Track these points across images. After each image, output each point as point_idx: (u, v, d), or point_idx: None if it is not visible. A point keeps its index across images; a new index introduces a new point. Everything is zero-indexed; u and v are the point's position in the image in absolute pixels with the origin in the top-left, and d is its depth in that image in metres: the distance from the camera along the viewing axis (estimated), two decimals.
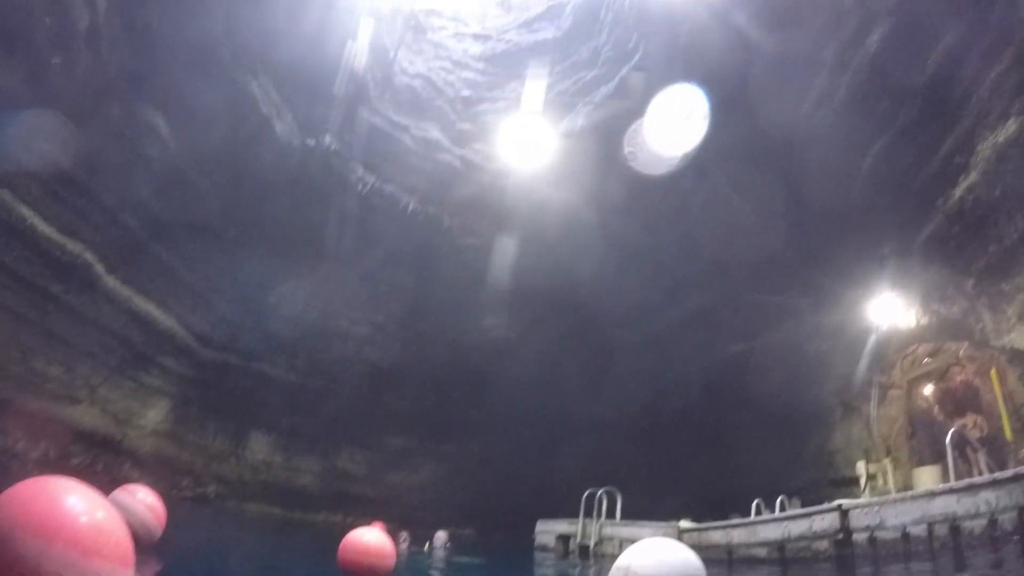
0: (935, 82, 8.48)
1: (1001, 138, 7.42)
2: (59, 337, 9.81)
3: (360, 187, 14.50)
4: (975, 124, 7.88)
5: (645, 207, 14.38)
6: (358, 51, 13.99)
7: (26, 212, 8.48)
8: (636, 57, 14.20)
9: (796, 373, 13.41)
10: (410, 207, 15.16)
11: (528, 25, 15.75)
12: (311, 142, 13.55)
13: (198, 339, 12.53)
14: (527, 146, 15.22)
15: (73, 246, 9.33)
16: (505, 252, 15.78)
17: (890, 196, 9.64)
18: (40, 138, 8.13)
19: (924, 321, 10.25)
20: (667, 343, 15.66)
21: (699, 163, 12.91)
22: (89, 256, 9.59)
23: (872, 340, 11.49)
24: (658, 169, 13.47)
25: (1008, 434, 9.46)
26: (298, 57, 12.83)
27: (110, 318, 10.40)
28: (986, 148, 7.70)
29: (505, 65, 15.52)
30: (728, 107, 12.15)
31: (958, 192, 8.26)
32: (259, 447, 14.53)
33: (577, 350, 16.33)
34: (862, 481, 11.54)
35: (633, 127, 13.69)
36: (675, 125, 12.87)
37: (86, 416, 10.72)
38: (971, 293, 8.73)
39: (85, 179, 9.22)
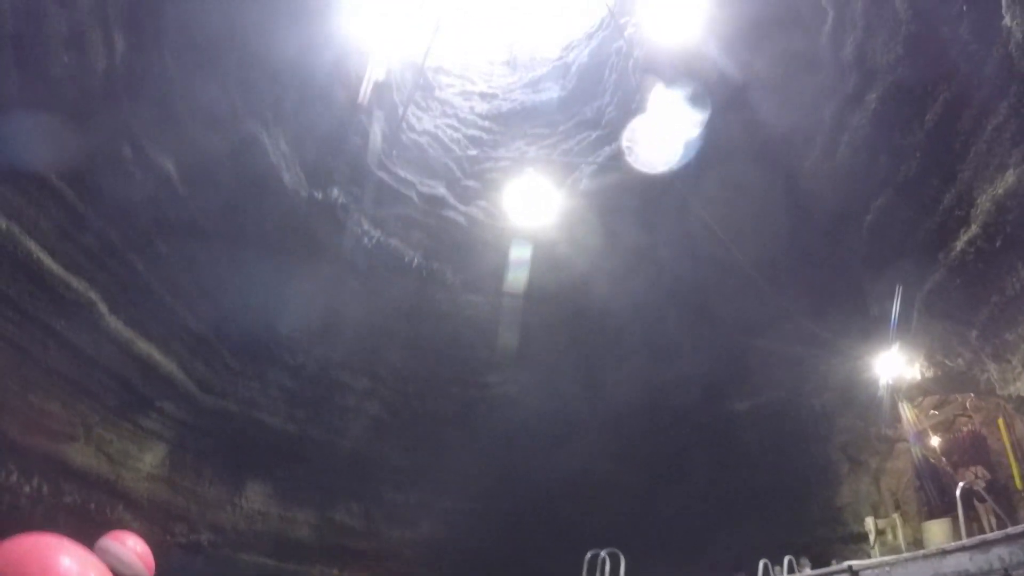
0: (933, 137, 8.65)
1: (1000, 190, 7.52)
2: (59, 373, 9.78)
3: (366, 240, 14.61)
4: (974, 177, 8.00)
5: (650, 276, 14.46)
6: (369, 106, 14.30)
7: (33, 246, 8.55)
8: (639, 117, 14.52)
9: (802, 429, 13.31)
10: (415, 262, 15.25)
11: (533, 85, 16.16)
12: (318, 194, 13.70)
13: (198, 385, 12.46)
14: (531, 205, 15.37)
15: (78, 284, 9.38)
16: (509, 309, 15.82)
17: (892, 251, 9.72)
18: (52, 174, 8.31)
19: (929, 374, 10.23)
20: (669, 402, 15.54)
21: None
22: (93, 295, 9.63)
23: (880, 394, 11.45)
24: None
25: (1018, 483, 9.35)
26: (308, 109, 13.10)
27: (111, 358, 10.38)
28: (986, 200, 7.80)
29: (510, 124, 15.86)
30: (726, 160, 12.38)
31: (959, 245, 8.33)
32: (255, 496, 14.31)
33: (584, 407, 16.20)
34: (871, 537, 11.33)
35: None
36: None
37: (81, 455, 10.60)
38: (975, 344, 8.73)
39: (93, 218, 9.32)
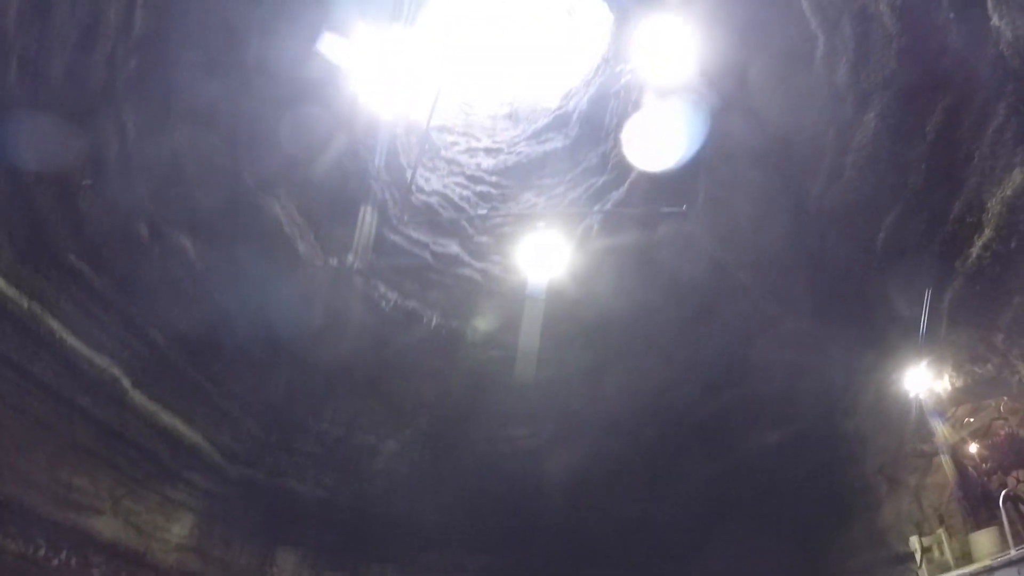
0: (936, 147, 8.63)
1: (1008, 191, 7.47)
2: (84, 448, 9.84)
3: (383, 304, 14.70)
4: (981, 181, 7.95)
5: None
6: (379, 173, 14.57)
7: (55, 325, 8.72)
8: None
9: (835, 453, 13.00)
10: (433, 322, 15.29)
11: (537, 136, 16.41)
12: (333, 261, 13.87)
13: (224, 455, 12.46)
14: (545, 256, 15.38)
15: (100, 360, 9.51)
16: (531, 362, 15.74)
17: (909, 265, 9.63)
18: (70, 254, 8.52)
19: (959, 383, 10.00)
20: (710, 437, 15.27)
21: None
22: (116, 371, 9.76)
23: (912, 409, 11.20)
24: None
25: None
26: (320, 179, 13.36)
27: (136, 431, 10.44)
28: (996, 204, 7.74)
29: (518, 177, 16.06)
30: (736, 188, 12.42)
31: (975, 251, 8.24)
32: (286, 564, 14.13)
33: (610, 454, 15.95)
34: (917, 556, 10.90)
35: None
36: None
37: (109, 527, 10.55)
38: (1003, 348, 8.55)
39: (113, 296, 9.51)
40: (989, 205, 7.86)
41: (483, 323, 15.43)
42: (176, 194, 10.53)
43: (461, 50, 16.61)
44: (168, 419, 10.91)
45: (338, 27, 12.14)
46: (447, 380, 15.31)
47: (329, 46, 12.02)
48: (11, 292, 8.30)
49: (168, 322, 10.58)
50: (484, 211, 16.03)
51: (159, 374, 10.64)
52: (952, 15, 7.72)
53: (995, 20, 7.02)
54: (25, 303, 8.42)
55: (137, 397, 10.26)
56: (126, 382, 10.03)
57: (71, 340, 8.98)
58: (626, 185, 15.05)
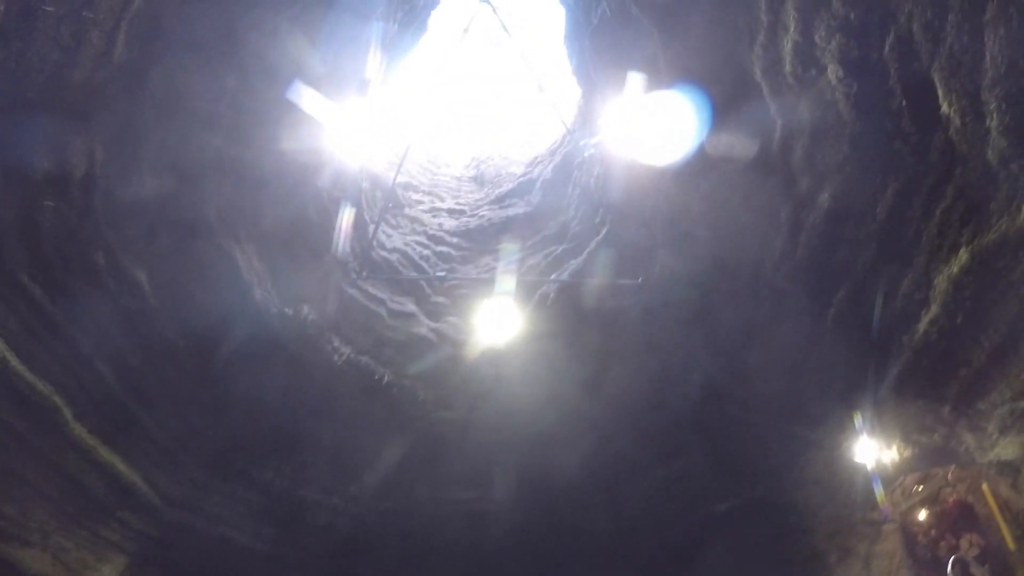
0: (886, 227, 9.07)
1: (955, 268, 7.85)
2: (18, 475, 9.31)
3: (336, 357, 14.49)
4: (929, 260, 8.35)
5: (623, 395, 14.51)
6: (341, 226, 14.57)
7: (0, 345, 8.36)
8: (603, 231, 15.00)
9: (785, 523, 13.03)
10: (385, 379, 15.10)
11: (500, 201, 16.71)
12: (288, 311, 13.69)
13: (162, 497, 11.88)
14: (500, 320, 15.42)
15: (43, 387, 9.11)
16: (482, 426, 15.60)
17: (857, 340, 9.93)
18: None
19: (907, 453, 10.22)
20: (661, 506, 15.16)
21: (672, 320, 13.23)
22: (58, 400, 9.34)
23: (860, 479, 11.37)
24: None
25: (1010, 543, 9.23)
26: (282, 227, 13.31)
27: (73, 465, 9.93)
28: (943, 281, 8.11)
29: (478, 240, 16.25)
30: (694, 262, 12.75)
31: (922, 327, 8.57)
32: None
33: (561, 523, 15.72)
34: None
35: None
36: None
37: (37, 561, 9.91)
38: (949, 418, 8.81)
39: (64, 322, 9.19)
40: (936, 282, 8.23)
41: (435, 383, 15.28)
42: (135, 228, 10.37)
43: (432, 111, 16.96)
44: (107, 455, 10.43)
45: (312, 81, 12.37)
46: (395, 438, 15.02)
47: (299, 95, 12.19)
48: None
49: (117, 356, 10.24)
50: (443, 272, 16.10)
51: (102, 408, 10.22)
52: (904, 103, 8.23)
53: (944, 108, 7.52)
54: None
55: (77, 429, 9.82)
56: (68, 412, 9.60)
57: (14, 362, 8.62)
58: (584, 255, 15.35)
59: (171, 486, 12.09)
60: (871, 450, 10.96)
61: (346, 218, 14.68)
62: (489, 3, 14.07)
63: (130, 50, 9.16)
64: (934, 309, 8.35)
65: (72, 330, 9.38)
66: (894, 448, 10.54)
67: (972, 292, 7.73)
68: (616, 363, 14.43)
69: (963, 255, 7.77)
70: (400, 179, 16.15)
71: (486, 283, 15.82)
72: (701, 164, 12.62)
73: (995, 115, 6.71)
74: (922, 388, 9.06)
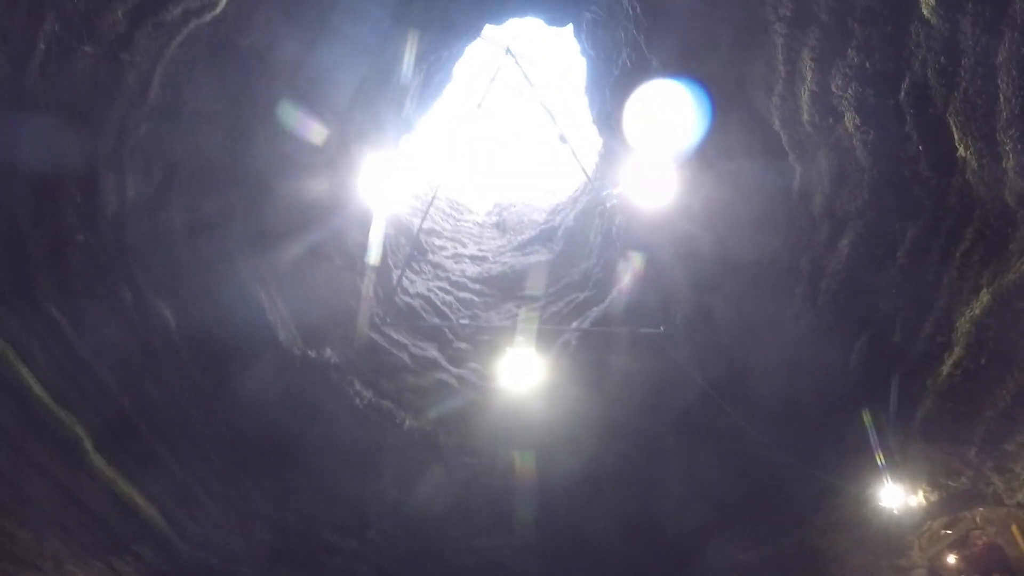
0: (907, 272, 9.08)
1: (977, 310, 7.83)
2: (35, 503, 9.39)
3: (357, 401, 14.55)
4: (950, 302, 8.33)
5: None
6: (366, 271, 14.81)
7: (24, 372, 8.54)
8: (626, 278, 15.06)
9: (811, 572, 12.70)
10: (406, 424, 15.10)
11: (522, 248, 16.88)
12: (312, 353, 13.83)
13: (179, 534, 11.88)
14: (522, 367, 15.43)
15: (65, 417, 9.25)
16: (503, 472, 15.49)
17: (880, 385, 9.85)
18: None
19: (934, 497, 10.02)
20: (681, 554, 14.85)
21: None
22: (79, 430, 9.45)
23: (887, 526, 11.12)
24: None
25: None
26: (307, 270, 13.53)
27: (90, 496, 9.99)
28: (965, 323, 8.08)
29: (501, 287, 16.38)
30: (713, 312, 12.74)
31: (946, 369, 8.51)
32: None
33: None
34: None
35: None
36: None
37: None
38: (976, 461, 8.67)
39: (88, 354, 9.37)
40: (959, 324, 8.20)
41: (456, 429, 15.25)
42: (163, 266, 10.64)
43: (456, 157, 17.33)
44: (125, 488, 10.47)
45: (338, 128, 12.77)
46: (415, 483, 14.95)
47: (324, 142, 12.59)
48: None
49: (140, 391, 10.40)
50: (465, 319, 16.21)
51: (124, 441, 10.33)
52: (921, 148, 8.32)
53: (961, 151, 7.59)
54: None
55: (97, 460, 9.90)
56: (88, 443, 9.71)
57: (37, 390, 8.79)
58: (606, 302, 15.39)
59: (188, 522, 12.11)
60: (897, 495, 10.75)
61: (371, 263, 14.96)
62: (511, 55, 14.49)
63: (164, 93, 9.58)
64: (957, 351, 8.30)
65: (97, 365, 9.57)
66: (920, 493, 10.34)
67: (995, 333, 7.69)
68: (635, 408, 14.32)
69: (984, 296, 7.75)
70: (425, 224, 16.40)
71: (508, 330, 15.89)
72: (716, 210, 12.74)
73: (1011, 155, 6.76)
74: (948, 431, 8.96)
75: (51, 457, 9.32)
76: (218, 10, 9.52)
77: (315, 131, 12.09)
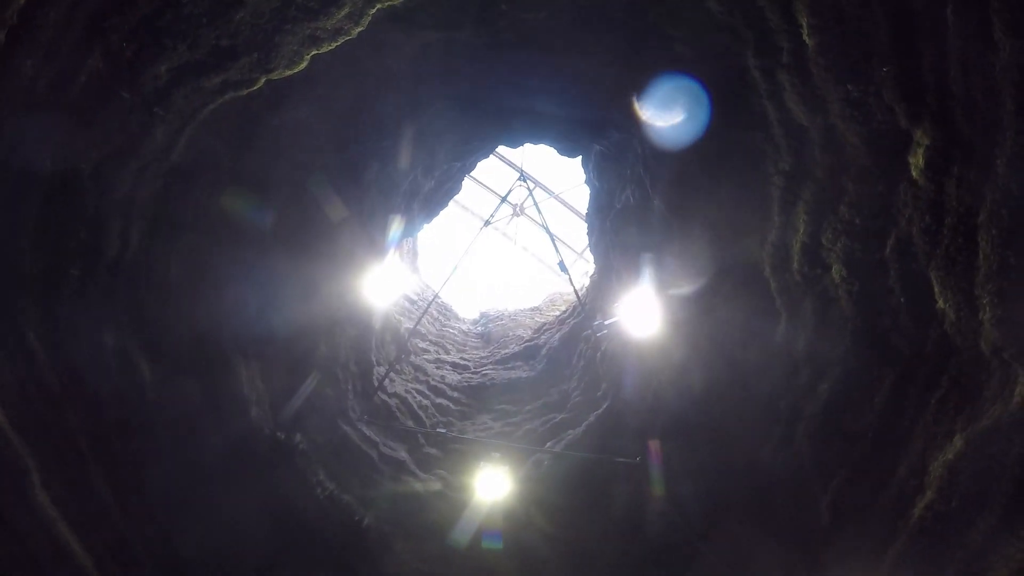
0: (883, 417, 9.40)
1: (950, 455, 8.07)
2: None
3: (319, 491, 14.21)
4: (925, 447, 8.59)
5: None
6: (348, 363, 14.88)
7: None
8: (604, 405, 15.18)
9: None
10: (364, 522, 14.68)
11: (504, 362, 17.03)
12: (281, 435, 13.66)
13: None
14: (491, 481, 15.26)
15: (20, 447, 8.85)
16: None
17: (852, 527, 9.90)
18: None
19: None
20: None
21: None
22: (30, 462, 9.00)
23: None
24: None
25: None
26: (289, 355, 13.63)
27: (26, 532, 9.35)
28: (938, 467, 8.30)
29: (479, 398, 16.40)
30: (689, 450, 12.84)
31: (917, 511, 8.62)
32: None
33: None
34: None
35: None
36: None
37: None
38: None
39: (58, 393, 9.20)
40: (932, 468, 8.41)
41: (414, 534, 14.81)
42: (152, 322, 10.70)
43: (449, 263, 17.80)
44: (64, 530, 9.78)
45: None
46: None
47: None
48: None
49: (102, 437, 10.14)
50: (441, 425, 16.13)
51: (73, 483, 9.86)
52: (903, 300, 8.83)
53: (940, 303, 8.09)
54: None
55: (41, 497, 9.33)
56: (35, 476, 9.18)
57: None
58: (583, 427, 15.42)
59: None
60: None
61: (353, 358, 15.04)
62: (525, 182, 15.25)
63: (187, 155, 10.01)
64: (929, 495, 8.47)
65: (64, 402, 9.37)
66: None
67: (967, 476, 7.90)
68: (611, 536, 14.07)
69: (958, 441, 8.02)
70: (408, 326, 16.63)
71: (481, 442, 15.78)
72: (705, 354, 13.08)
73: (988, 308, 7.24)
74: (918, 572, 8.94)
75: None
76: (255, 87, 10.06)
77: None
